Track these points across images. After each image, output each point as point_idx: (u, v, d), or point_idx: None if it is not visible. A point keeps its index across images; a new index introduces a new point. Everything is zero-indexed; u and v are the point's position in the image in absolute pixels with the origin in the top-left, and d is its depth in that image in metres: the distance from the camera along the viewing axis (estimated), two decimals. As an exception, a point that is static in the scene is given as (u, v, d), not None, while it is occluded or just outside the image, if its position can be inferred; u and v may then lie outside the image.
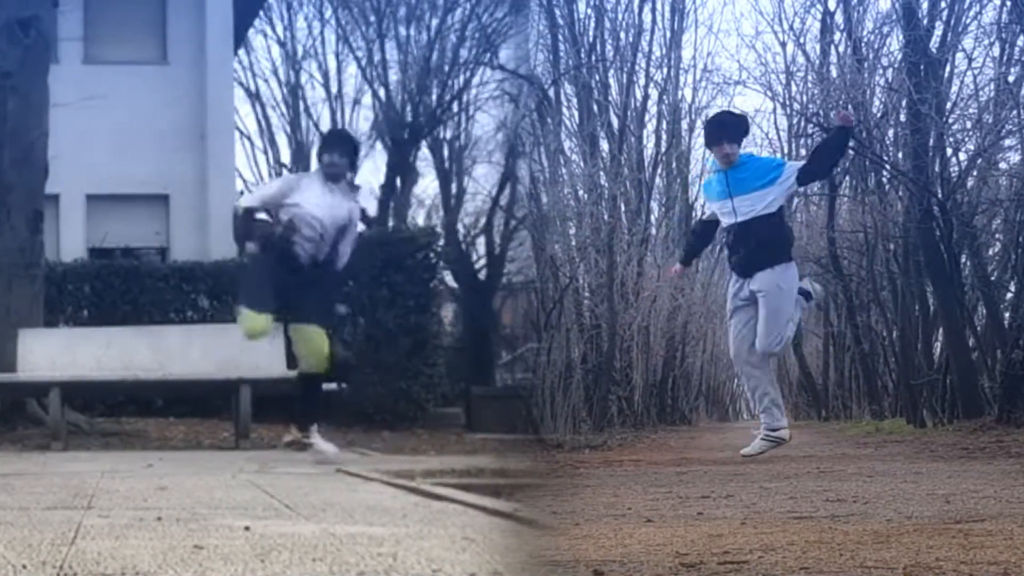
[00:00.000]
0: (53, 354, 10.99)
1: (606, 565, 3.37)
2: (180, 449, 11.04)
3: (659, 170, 24.12)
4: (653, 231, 24.49)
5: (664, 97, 23.38)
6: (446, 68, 23.69)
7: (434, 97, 23.75)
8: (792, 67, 19.39)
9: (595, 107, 21.21)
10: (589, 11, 20.98)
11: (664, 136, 23.64)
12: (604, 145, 21.19)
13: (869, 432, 15.38)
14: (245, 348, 10.44)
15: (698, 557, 3.49)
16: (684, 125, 25.20)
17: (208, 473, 7.09)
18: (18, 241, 11.75)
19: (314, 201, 8.77)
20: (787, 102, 19.29)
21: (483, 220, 24.70)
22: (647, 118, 23.20)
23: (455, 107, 24.01)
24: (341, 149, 8.93)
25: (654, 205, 24.44)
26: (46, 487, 5.83)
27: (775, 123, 24.97)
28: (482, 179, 24.51)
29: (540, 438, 12.29)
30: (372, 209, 9.38)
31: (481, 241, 24.80)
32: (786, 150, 24.80)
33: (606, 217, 19.81)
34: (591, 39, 21.11)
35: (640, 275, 21.17)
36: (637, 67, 22.40)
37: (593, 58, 20.79)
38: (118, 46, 18.45)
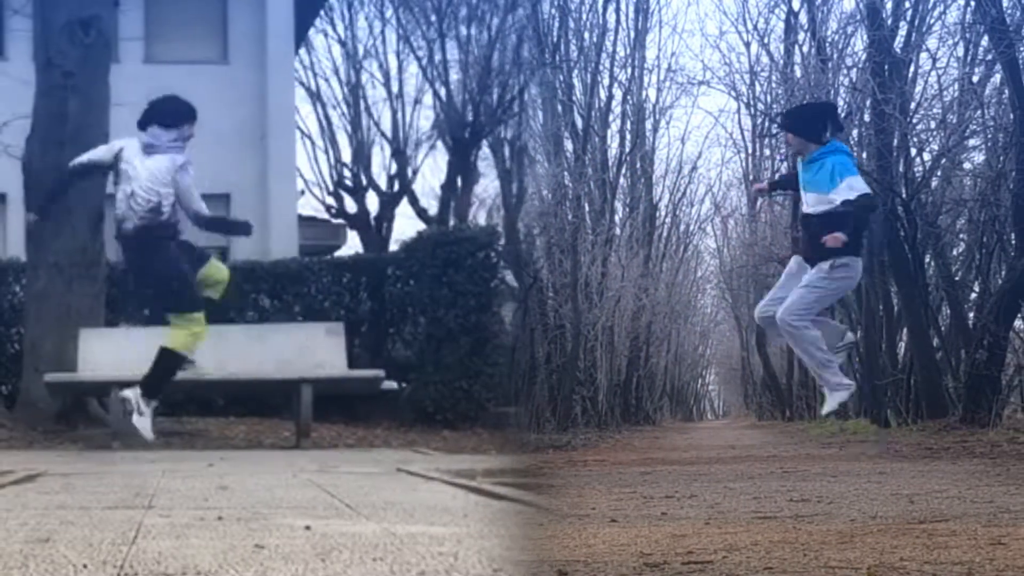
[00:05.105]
0: (114, 353, 10.91)
1: (570, 565, 3.34)
2: (241, 448, 10.98)
3: (623, 170, 24.18)
4: (617, 231, 24.57)
5: (628, 97, 23.44)
6: (507, 68, 23.68)
7: (495, 97, 23.72)
8: (756, 67, 19.48)
9: (559, 107, 21.23)
10: (553, 11, 21.02)
11: (628, 136, 23.70)
12: (568, 145, 21.22)
13: (833, 432, 15.41)
14: (306, 348, 10.69)
15: (662, 557, 3.46)
16: (648, 125, 25.30)
17: (269, 472, 7.02)
18: (79, 241, 11.70)
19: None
20: (751, 102, 19.36)
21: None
22: (611, 118, 23.29)
23: (516, 107, 23.99)
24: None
25: (618, 205, 24.50)
26: (107, 486, 5.77)
27: (739, 123, 25.10)
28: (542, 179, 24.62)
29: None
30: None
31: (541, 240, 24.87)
32: (750, 150, 24.91)
33: (570, 217, 19.82)
34: (555, 39, 21.15)
35: (604, 275, 21.20)
36: (601, 67, 22.48)
37: (557, 58, 20.81)
38: (179, 46, 18.31)
